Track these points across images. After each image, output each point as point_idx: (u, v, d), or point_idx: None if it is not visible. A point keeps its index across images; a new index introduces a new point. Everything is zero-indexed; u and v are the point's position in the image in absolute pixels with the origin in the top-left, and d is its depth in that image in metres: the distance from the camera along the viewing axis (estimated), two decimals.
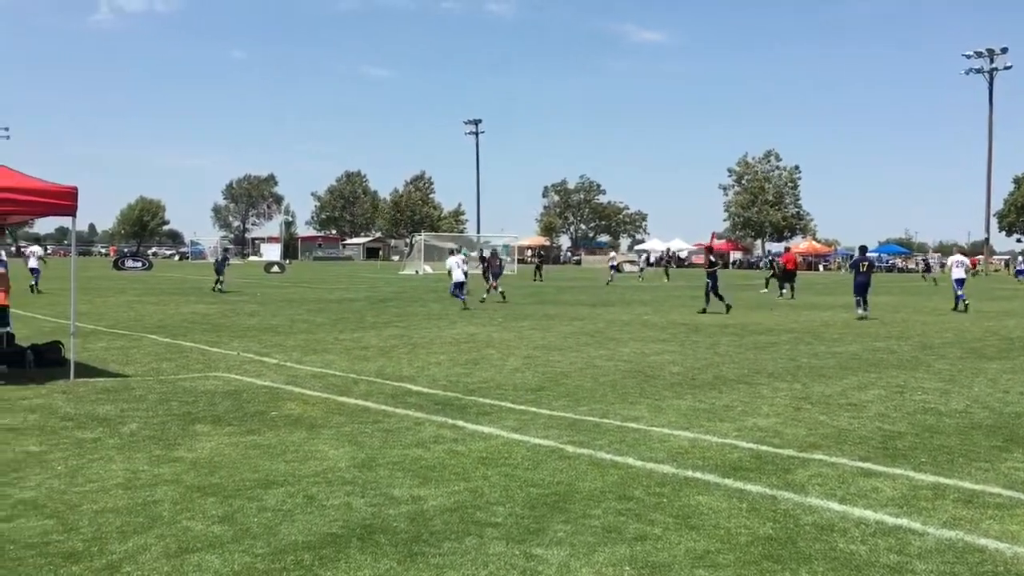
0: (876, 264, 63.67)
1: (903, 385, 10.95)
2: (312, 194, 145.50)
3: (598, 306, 25.73)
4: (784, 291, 31.51)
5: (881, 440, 7.75)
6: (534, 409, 9.08)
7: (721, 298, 23.11)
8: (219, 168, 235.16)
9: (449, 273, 24.72)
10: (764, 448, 7.41)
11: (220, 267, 33.02)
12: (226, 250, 48.61)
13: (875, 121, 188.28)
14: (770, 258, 57.97)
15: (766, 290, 35.25)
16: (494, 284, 27.84)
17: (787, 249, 38.59)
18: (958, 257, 26.19)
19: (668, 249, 47.16)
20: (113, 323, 18.16)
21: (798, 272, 34.42)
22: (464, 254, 25.74)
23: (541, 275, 48.58)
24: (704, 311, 22.69)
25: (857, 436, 7.94)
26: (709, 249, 24.78)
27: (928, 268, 68.68)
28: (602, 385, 10.76)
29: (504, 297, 27.43)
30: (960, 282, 25.37)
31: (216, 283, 32.11)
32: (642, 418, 8.67)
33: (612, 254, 58.66)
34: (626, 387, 10.63)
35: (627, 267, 65.97)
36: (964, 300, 24.97)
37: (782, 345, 15.56)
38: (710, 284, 23.14)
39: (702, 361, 13.19)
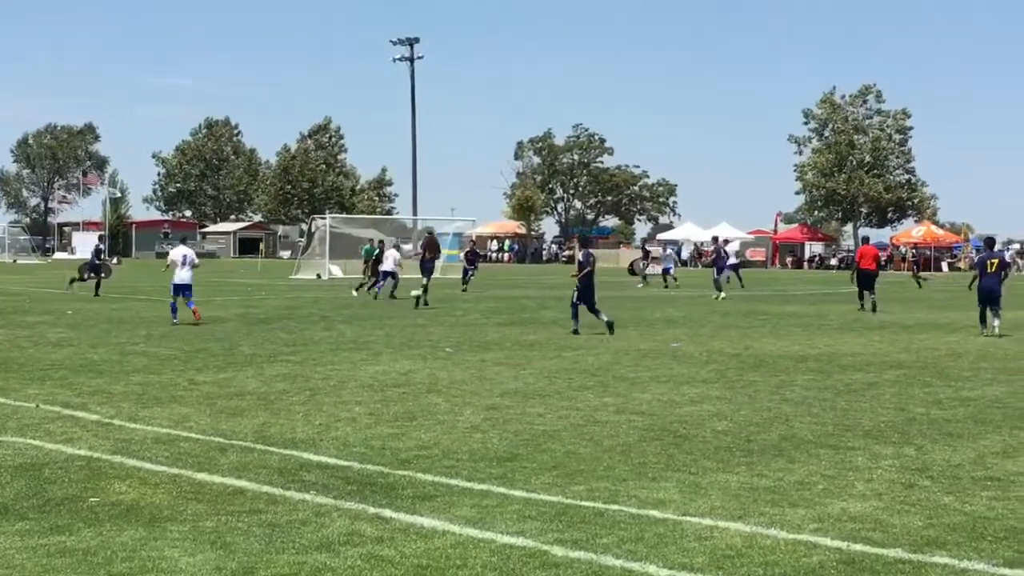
0: (1012, 263, 63.64)
1: None
2: (154, 156, 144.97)
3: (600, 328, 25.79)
4: (864, 302, 31.87)
5: None
6: (502, 490, 9.08)
7: (596, 312, 23.88)
8: (6, 115, 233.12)
9: (169, 267, 26.40)
10: (859, 548, 7.47)
11: (97, 265, 37.22)
12: (100, 237, 49.63)
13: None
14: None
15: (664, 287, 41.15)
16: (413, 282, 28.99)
17: (865, 240, 38.93)
18: None
19: (644, 241, 48.70)
20: None
21: (879, 273, 34.66)
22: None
23: (467, 281, 44.92)
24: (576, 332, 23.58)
25: (1002, 528, 8.00)
26: (586, 240, 27.52)
27: None
28: (608, 451, 10.77)
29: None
30: None
31: (84, 278, 36.87)
32: (670, 502, 8.69)
33: (735, 243, 57.62)
34: (645, 454, 10.65)
35: (651, 268, 66.23)
36: None
37: (885, 387, 15.67)
38: (577, 292, 24.00)
39: (763, 413, 13.25)
